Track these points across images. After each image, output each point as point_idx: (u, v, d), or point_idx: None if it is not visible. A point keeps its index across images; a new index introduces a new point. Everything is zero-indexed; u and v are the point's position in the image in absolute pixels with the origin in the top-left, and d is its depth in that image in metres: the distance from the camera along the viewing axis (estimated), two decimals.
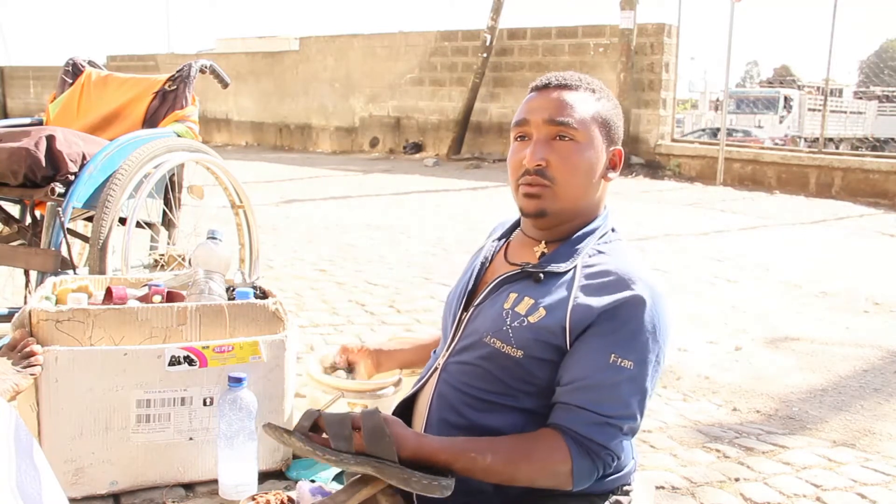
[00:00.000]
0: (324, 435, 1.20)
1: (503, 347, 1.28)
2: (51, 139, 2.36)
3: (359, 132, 13.22)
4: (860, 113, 22.09)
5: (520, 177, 1.34)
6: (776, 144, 14.79)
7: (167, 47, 33.01)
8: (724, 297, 4.00)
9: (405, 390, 1.51)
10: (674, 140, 10.25)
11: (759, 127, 19.03)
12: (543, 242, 1.37)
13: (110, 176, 2.44)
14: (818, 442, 2.33)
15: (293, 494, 1.41)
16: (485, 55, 11.22)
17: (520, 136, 1.36)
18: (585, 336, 1.24)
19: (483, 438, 1.26)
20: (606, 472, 1.27)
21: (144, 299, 1.82)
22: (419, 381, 1.44)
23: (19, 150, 2.32)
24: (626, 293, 1.24)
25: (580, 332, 1.25)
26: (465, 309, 1.39)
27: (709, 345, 3.25)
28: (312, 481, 1.56)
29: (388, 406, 1.54)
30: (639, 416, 1.25)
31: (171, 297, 1.85)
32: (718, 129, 17.33)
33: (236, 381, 1.64)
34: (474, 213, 6.64)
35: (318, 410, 1.23)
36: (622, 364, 1.22)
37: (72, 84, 3.05)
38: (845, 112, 21.40)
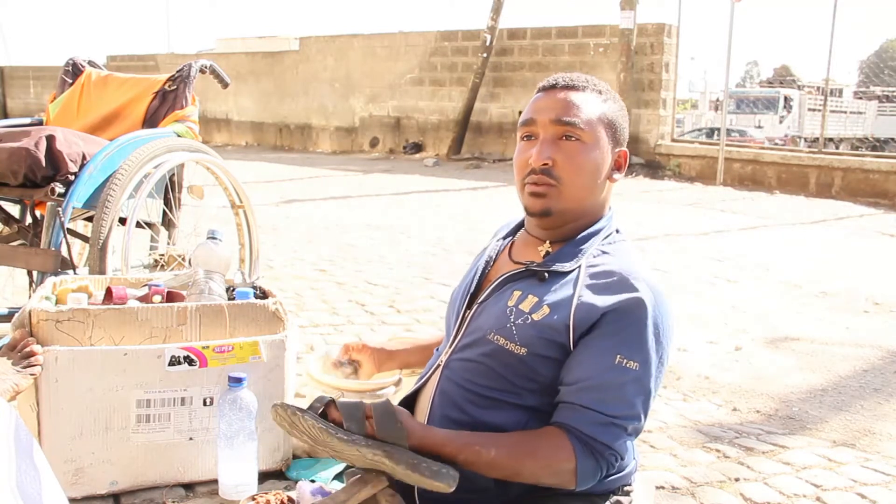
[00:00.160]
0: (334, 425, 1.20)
1: (506, 344, 1.28)
2: (51, 139, 2.36)
3: (359, 132, 13.22)
4: (860, 113, 22.10)
5: (525, 176, 1.35)
6: (776, 144, 14.79)
7: (167, 47, 33.08)
8: (724, 297, 4.00)
9: (405, 390, 1.51)
10: (674, 140, 10.26)
11: (759, 127, 19.04)
12: (548, 242, 1.38)
13: (110, 176, 2.44)
14: (818, 442, 2.33)
15: (293, 494, 1.41)
16: (485, 55, 11.22)
17: (526, 136, 1.37)
18: (590, 336, 1.25)
19: (488, 433, 1.26)
20: (610, 472, 1.27)
21: (144, 299, 1.82)
22: (421, 378, 1.44)
23: (19, 150, 2.32)
24: (631, 294, 1.24)
25: (584, 331, 1.25)
26: (469, 307, 1.40)
27: (709, 345, 3.25)
28: (312, 481, 1.56)
29: None
30: (643, 417, 1.25)
31: (171, 297, 1.85)
32: (713, 130, 17.43)
33: (236, 381, 1.64)
34: (474, 213, 6.64)
35: (331, 397, 1.24)
36: (628, 365, 1.22)
37: (72, 84, 3.05)
38: (845, 112, 21.41)
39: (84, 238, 2.70)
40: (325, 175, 9.70)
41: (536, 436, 1.25)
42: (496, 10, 11.20)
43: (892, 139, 18.54)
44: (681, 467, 2.10)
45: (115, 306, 1.72)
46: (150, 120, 2.85)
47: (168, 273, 2.22)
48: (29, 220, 2.75)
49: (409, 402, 1.44)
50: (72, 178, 2.39)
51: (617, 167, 1.39)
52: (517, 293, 1.32)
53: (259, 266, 3.04)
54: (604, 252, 1.34)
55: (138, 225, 2.56)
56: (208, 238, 1.98)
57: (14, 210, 2.86)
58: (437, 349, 1.48)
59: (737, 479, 2.04)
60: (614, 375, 1.22)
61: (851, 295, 4.08)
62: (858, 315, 3.77)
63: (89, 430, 1.67)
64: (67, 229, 2.39)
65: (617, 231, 1.39)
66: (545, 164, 1.32)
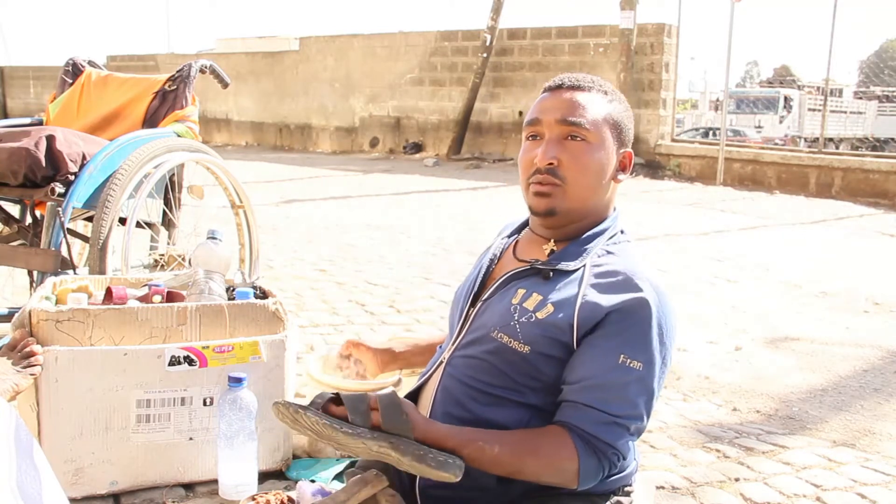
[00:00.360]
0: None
1: (510, 342, 1.28)
2: (51, 139, 2.36)
3: (359, 132, 13.22)
4: (860, 113, 22.11)
5: (530, 175, 1.35)
6: (775, 144, 14.79)
7: (167, 47, 33.09)
8: (724, 297, 4.00)
9: (405, 390, 1.51)
10: (674, 140, 10.26)
11: (759, 127, 19.05)
12: (552, 241, 1.38)
13: (110, 176, 2.44)
14: (818, 442, 2.33)
15: (293, 494, 1.41)
16: (485, 55, 11.22)
17: (531, 136, 1.37)
18: (594, 336, 1.25)
19: (491, 430, 1.26)
20: (612, 471, 1.27)
21: (144, 299, 1.82)
22: (423, 375, 1.44)
23: (19, 150, 2.32)
24: (636, 294, 1.25)
25: (588, 331, 1.25)
26: (473, 304, 1.40)
27: (709, 345, 3.25)
28: (312, 481, 1.56)
29: None
30: (646, 417, 1.26)
31: (171, 297, 1.85)
32: (709, 130, 17.44)
33: (236, 381, 1.64)
34: (474, 213, 6.64)
35: (333, 393, 1.24)
36: (631, 365, 1.22)
37: (72, 84, 3.05)
38: (845, 112, 21.42)
39: (84, 238, 2.70)
40: (325, 175, 9.70)
41: (539, 434, 1.25)
42: (496, 10, 11.19)
43: (892, 139, 18.54)
44: (681, 467, 2.10)
45: (115, 306, 1.72)
46: (150, 120, 2.85)
47: (168, 273, 2.22)
48: (29, 220, 2.76)
49: (412, 399, 1.44)
50: (72, 178, 2.39)
51: (621, 168, 1.39)
52: (521, 291, 1.32)
53: (259, 266, 3.04)
54: (608, 252, 1.34)
55: (138, 225, 2.56)
56: (208, 238, 1.98)
57: (14, 210, 2.86)
58: (440, 347, 1.48)
59: (737, 479, 2.04)
60: (618, 375, 1.22)
61: (851, 295, 4.08)
62: (858, 315, 3.77)
63: (89, 430, 1.67)
64: (67, 229, 2.39)
65: (622, 232, 1.40)
66: (550, 164, 1.32)
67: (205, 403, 1.74)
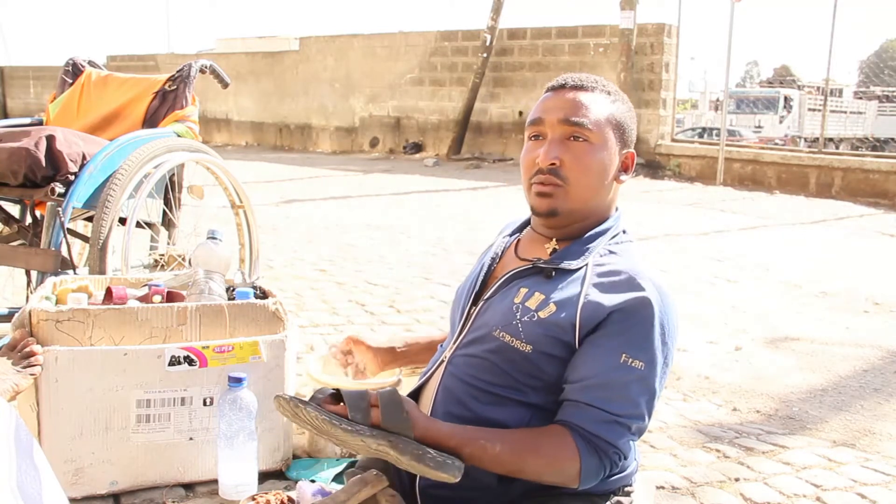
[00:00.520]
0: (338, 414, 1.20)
1: (512, 341, 1.28)
2: (51, 139, 2.36)
3: (359, 132, 13.22)
4: (860, 113, 22.11)
5: (533, 175, 1.35)
6: (775, 144, 14.79)
7: (167, 47, 33.08)
8: (724, 297, 4.00)
9: (406, 390, 1.51)
10: (674, 140, 10.26)
11: (759, 127, 19.05)
12: (554, 240, 1.38)
13: (110, 176, 2.44)
14: (818, 442, 2.33)
15: (293, 494, 1.41)
16: (485, 55, 11.21)
17: (534, 136, 1.37)
18: (596, 335, 1.25)
19: (492, 429, 1.26)
20: (613, 471, 1.27)
21: (144, 299, 1.82)
22: (424, 374, 1.44)
23: (19, 150, 2.32)
24: (638, 293, 1.25)
25: (590, 330, 1.25)
26: (475, 303, 1.40)
27: (709, 345, 3.25)
28: (312, 481, 1.56)
29: None
30: (647, 417, 1.25)
31: (171, 297, 1.85)
32: (706, 130, 17.42)
33: (236, 381, 1.64)
34: (474, 213, 6.64)
35: (334, 389, 1.24)
36: (633, 364, 1.22)
37: (72, 84, 3.05)
38: (845, 112, 21.42)
39: (84, 238, 2.70)
40: (325, 175, 9.70)
41: (540, 433, 1.25)
42: (496, 10, 11.19)
43: (892, 139, 18.53)
44: (681, 467, 2.10)
45: (115, 306, 1.72)
46: (150, 120, 2.85)
47: (168, 273, 2.22)
48: (29, 220, 2.76)
49: (413, 398, 1.44)
50: (72, 178, 2.39)
51: (624, 168, 1.39)
52: (524, 290, 1.32)
53: (259, 266, 3.04)
54: (611, 252, 1.34)
55: (138, 225, 2.57)
56: (208, 238, 1.98)
57: (14, 210, 2.86)
58: (441, 346, 1.48)
59: (737, 479, 2.04)
60: (619, 374, 1.22)
61: (851, 295, 4.08)
62: (858, 315, 3.77)
63: (89, 430, 1.67)
64: (67, 229, 2.39)
65: (624, 232, 1.40)
66: (552, 164, 1.32)
67: (205, 403, 1.74)
